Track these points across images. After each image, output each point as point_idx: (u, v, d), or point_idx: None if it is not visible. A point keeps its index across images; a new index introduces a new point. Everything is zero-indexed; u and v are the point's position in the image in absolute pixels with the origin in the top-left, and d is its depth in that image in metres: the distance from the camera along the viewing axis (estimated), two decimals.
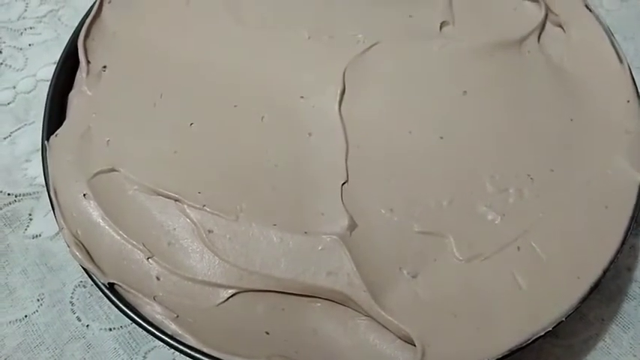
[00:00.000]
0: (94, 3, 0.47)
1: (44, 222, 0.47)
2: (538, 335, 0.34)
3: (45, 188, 0.40)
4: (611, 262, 0.36)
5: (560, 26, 0.47)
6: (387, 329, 0.35)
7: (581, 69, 0.45)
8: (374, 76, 0.43)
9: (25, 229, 0.47)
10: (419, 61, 0.44)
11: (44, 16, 0.58)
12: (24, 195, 0.48)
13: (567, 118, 0.42)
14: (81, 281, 0.45)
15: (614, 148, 0.41)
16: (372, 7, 0.47)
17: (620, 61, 0.44)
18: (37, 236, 0.47)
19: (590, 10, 0.47)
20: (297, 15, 0.46)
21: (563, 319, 0.35)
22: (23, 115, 0.53)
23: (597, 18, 0.46)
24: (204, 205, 0.37)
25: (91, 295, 0.44)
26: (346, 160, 0.40)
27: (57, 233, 0.46)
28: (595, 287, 0.36)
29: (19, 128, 0.52)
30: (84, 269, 0.37)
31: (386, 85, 0.43)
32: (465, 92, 0.43)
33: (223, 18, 0.46)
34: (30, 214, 0.47)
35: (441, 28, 0.46)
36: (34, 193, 0.48)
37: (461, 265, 0.37)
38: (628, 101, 0.43)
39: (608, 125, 0.42)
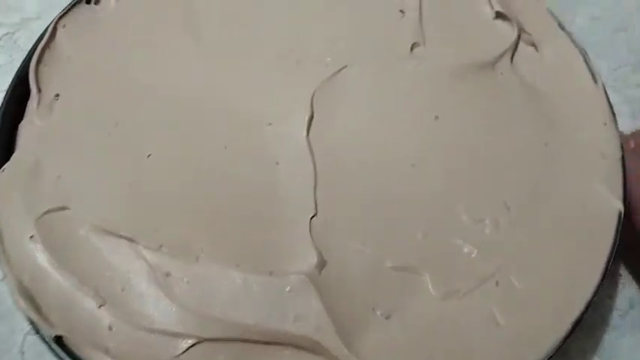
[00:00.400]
0: (48, 26, 0.45)
1: None
2: None
3: None
4: (593, 296, 0.35)
5: (534, 45, 0.46)
6: None
7: (555, 90, 0.44)
8: (343, 102, 0.41)
9: None
10: (389, 84, 0.43)
11: None
12: None
13: (542, 142, 0.41)
14: (33, 328, 0.41)
15: (592, 174, 0.39)
16: (339, 30, 0.45)
17: (595, 81, 0.43)
18: None
19: (563, 29, 0.46)
20: (263, 39, 0.44)
21: None
22: None
23: (570, 37, 0.45)
24: (160, 246, 0.35)
25: (44, 343, 0.41)
26: (315, 191, 0.38)
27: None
28: (577, 324, 0.34)
29: None
30: (30, 320, 0.34)
31: (355, 111, 0.41)
32: (436, 117, 0.41)
33: (184, 42, 0.44)
34: None
35: (412, 49, 0.45)
36: None
37: (437, 303, 0.35)
38: (605, 124, 0.41)
39: (585, 149, 0.41)
